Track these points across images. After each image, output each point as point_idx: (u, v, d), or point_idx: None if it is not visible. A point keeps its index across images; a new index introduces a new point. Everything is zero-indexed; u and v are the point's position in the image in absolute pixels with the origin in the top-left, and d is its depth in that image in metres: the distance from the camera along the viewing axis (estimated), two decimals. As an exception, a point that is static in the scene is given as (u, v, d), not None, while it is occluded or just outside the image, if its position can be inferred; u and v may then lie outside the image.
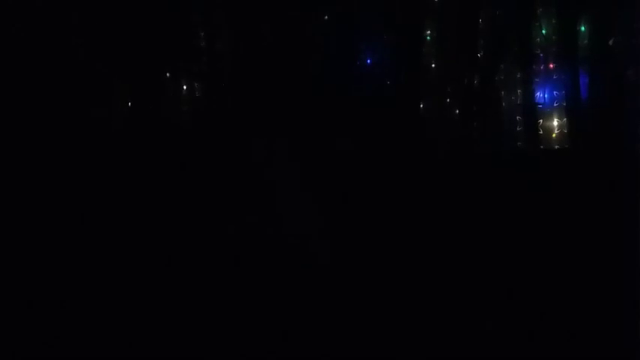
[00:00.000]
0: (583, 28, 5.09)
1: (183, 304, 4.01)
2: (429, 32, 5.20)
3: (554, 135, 5.18)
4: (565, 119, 5.14)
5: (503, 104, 5.28)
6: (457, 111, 5.17)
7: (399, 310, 3.90)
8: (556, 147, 5.20)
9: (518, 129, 5.24)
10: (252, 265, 4.28)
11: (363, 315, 3.85)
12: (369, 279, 4.14)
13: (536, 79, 5.20)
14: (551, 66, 5.19)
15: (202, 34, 5.17)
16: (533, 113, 5.17)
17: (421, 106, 5.15)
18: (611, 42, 4.96)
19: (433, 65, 5.16)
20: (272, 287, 4.08)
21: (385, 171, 4.92)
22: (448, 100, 5.17)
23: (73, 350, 3.68)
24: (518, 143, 5.24)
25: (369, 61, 5.22)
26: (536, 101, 5.18)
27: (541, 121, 5.18)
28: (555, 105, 5.18)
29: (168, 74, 5.09)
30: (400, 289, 4.08)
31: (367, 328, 3.76)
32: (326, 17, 5.19)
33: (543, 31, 5.18)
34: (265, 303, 3.94)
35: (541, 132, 5.18)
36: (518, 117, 5.24)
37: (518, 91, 5.26)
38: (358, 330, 3.76)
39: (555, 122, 5.18)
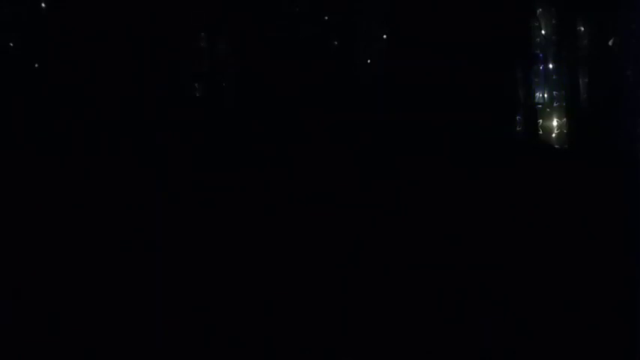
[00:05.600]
0: (583, 28, 5.10)
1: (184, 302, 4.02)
2: (428, 32, 5.20)
3: (553, 135, 5.18)
4: (565, 119, 5.14)
5: (503, 104, 5.28)
6: (457, 111, 5.18)
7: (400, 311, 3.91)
8: (556, 147, 5.20)
9: (518, 129, 5.24)
10: (255, 264, 4.28)
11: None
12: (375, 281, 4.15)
13: (536, 79, 5.20)
14: (551, 66, 5.20)
15: (203, 34, 5.18)
16: (533, 113, 5.18)
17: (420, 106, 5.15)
18: (610, 42, 4.97)
19: (433, 65, 5.16)
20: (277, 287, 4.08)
21: (384, 171, 4.93)
22: (448, 100, 5.18)
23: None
24: (518, 143, 5.25)
25: (369, 61, 5.24)
26: (536, 101, 5.19)
27: (541, 121, 5.19)
28: (555, 105, 5.19)
29: (168, 74, 5.09)
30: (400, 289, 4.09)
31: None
32: (326, 17, 5.20)
33: (543, 31, 5.19)
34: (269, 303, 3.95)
35: (541, 132, 5.18)
36: (518, 117, 5.24)
37: (518, 91, 5.26)
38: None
39: (555, 122, 5.18)
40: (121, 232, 4.52)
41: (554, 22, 5.17)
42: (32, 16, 4.96)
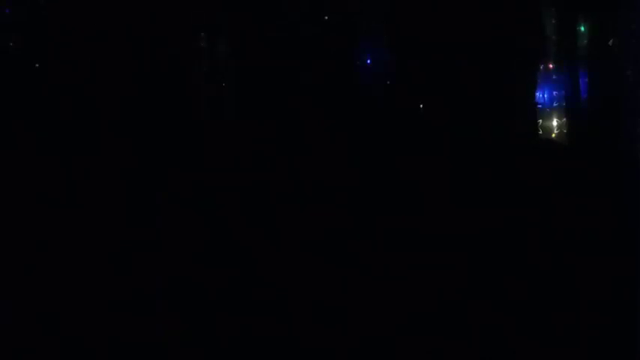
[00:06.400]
0: (583, 28, 5.09)
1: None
2: (429, 32, 5.19)
3: (553, 135, 5.18)
4: (565, 119, 5.14)
5: (503, 104, 5.27)
6: (457, 111, 5.17)
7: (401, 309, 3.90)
8: (556, 147, 5.19)
9: (517, 129, 5.24)
10: (254, 265, 4.28)
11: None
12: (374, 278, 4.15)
13: (536, 79, 5.19)
14: (551, 66, 5.19)
15: (203, 34, 5.18)
16: (533, 113, 5.17)
17: (421, 106, 5.15)
18: (610, 42, 4.96)
19: (434, 65, 5.16)
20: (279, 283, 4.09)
21: (384, 172, 4.93)
22: (448, 100, 5.17)
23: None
24: (517, 143, 5.24)
25: (369, 61, 5.23)
26: (536, 101, 5.18)
27: (541, 121, 5.18)
28: (555, 105, 5.18)
29: (168, 74, 5.09)
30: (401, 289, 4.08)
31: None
32: (326, 17, 5.20)
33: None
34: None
35: (541, 132, 5.18)
36: (518, 117, 5.24)
37: (518, 91, 5.25)
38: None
39: (555, 122, 5.18)
40: (121, 232, 4.52)
41: (554, 22, 5.17)
42: (32, 16, 4.95)
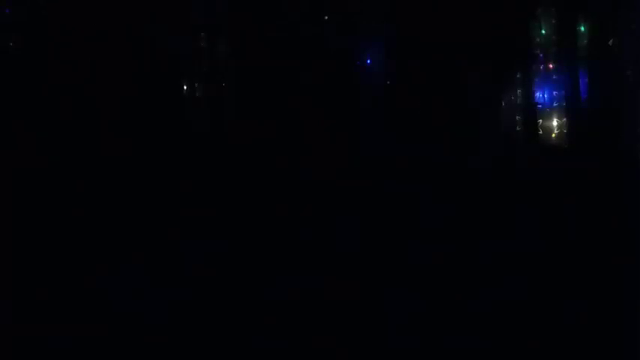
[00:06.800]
0: (583, 28, 5.09)
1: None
2: (429, 32, 5.19)
3: (553, 135, 5.18)
4: (565, 119, 5.14)
5: (503, 104, 5.28)
6: (457, 111, 5.18)
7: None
8: (555, 147, 5.20)
9: (517, 129, 5.24)
10: (260, 266, 4.29)
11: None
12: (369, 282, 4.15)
13: (536, 79, 5.20)
14: (551, 66, 5.19)
15: (203, 34, 5.18)
16: (532, 113, 5.18)
17: (421, 106, 5.15)
18: (610, 42, 4.96)
19: (434, 65, 5.16)
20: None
21: (385, 171, 4.93)
22: (448, 100, 5.18)
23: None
24: (517, 143, 5.25)
25: (369, 61, 5.23)
26: (536, 101, 5.18)
27: (541, 121, 5.18)
28: (555, 105, 5.18)
29: (168, 74, 5.09)
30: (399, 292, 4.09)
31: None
32: (326, 17, 5.20)
33: (543, 31, 5.18)
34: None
35: (541, 132, 5.18)
36: (517, 117, 5.24)
37: (518, 91, 5.26)
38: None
39: (555, 122, 5.18)
40: (121, 232, 4.52)
41: (554, 22, 5.17)
42: (32, 16, 4.95)
